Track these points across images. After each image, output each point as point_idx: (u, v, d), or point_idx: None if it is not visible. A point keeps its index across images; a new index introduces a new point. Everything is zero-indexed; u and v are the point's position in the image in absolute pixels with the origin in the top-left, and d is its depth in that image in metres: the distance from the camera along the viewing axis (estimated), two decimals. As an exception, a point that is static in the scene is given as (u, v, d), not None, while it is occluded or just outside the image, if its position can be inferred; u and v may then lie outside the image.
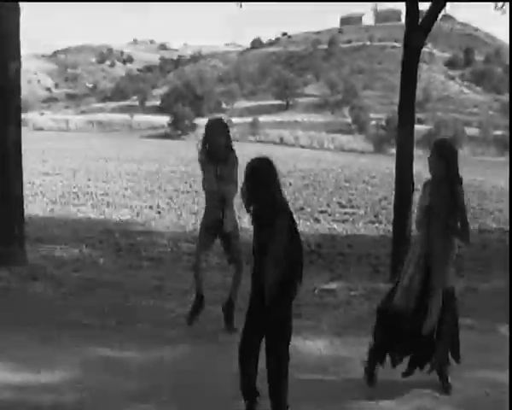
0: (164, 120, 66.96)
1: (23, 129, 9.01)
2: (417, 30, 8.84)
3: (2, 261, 8.31)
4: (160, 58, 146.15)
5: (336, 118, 74.58)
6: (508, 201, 18.31)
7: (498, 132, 57.16)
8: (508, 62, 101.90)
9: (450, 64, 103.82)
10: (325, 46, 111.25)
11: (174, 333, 5.97)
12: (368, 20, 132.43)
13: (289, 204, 4.06)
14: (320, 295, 7.41)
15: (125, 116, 80.00)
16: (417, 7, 8.82)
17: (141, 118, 78.61)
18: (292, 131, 61.04)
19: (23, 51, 8.73)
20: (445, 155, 4.62)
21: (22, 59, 8.74)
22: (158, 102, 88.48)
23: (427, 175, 4.81)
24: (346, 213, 16.18)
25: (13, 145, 8.47)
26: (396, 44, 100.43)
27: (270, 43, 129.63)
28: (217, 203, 5.86)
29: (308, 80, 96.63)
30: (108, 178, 23.22)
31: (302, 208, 17.06)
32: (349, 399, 4.62)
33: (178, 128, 61.14)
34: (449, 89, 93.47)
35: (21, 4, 8.50)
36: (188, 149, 33.37)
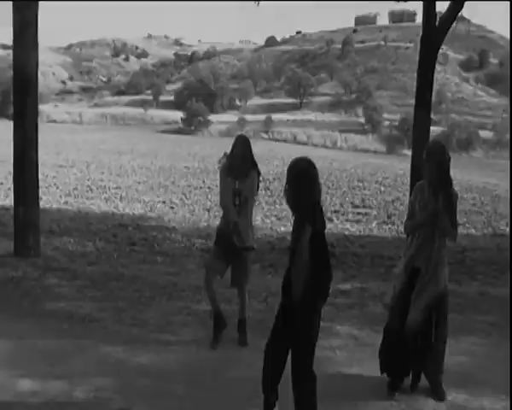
0: (177, 115, 67.07)
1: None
2: (435, 30, 8.80)
3: (18, 252, 8.38)
4: (174, 54, 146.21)
5: (349, 117, 74.41)
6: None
7: (512, 136, 56.82)
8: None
9: (465, 66, 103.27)
10: (339, 45, 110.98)
11: (187, 331, 5.97)
12: (382, 20, 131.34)
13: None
14: (334, 295, 7.37)
15: (139, 110, 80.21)
16: (435, 7, 8.78)
17: (154, 113, 78.81)
18: (305, 129, 60.89)
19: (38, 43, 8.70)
20: (437, 158, 4.62)
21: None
22: (172, 98, 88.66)
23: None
24: (359, 214, 16.14)
25: (30, 138, 8.51)
26: (410, 45, 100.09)
27: (285, 42, 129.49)
28: (231, 232, 5.50)
29: (322, 79, 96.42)
30: (122, 172, 23.29)
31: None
32: (364, 399, 4.61)
33: (192, 124, 61.13)
34: (463, 91, 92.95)
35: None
36: (201, 145, 33.42)
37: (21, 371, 4.75)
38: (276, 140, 54.54)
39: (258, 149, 34.31)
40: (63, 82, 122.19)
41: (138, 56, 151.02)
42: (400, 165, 27.28)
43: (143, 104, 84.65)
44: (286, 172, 3.88)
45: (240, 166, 5.53)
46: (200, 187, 19.38)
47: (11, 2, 8.44)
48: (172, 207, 15.88)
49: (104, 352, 5.31)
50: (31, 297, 6.73)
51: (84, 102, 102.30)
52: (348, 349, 5.67)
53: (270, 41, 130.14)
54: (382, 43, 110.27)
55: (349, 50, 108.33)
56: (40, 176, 8.98)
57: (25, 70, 8.44)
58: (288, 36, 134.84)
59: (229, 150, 5.62)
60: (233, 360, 5.27)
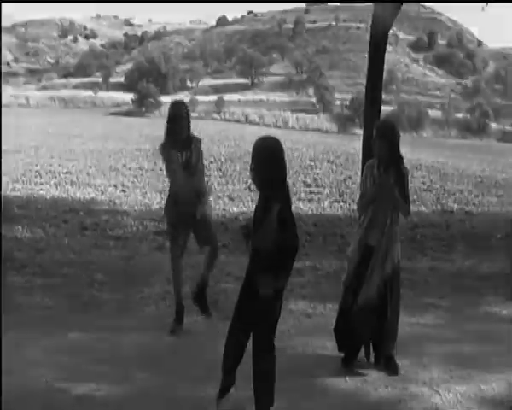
0: (128, 97, 65.85)
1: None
2: (386, 11, 8.87)
3: (-38, 241, 8.11)
4: (124, 34, 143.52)
5: (301, 97, 74.62)
6: (467, 182, 18.68)
7: (460, 115, 58.14)
8: (469, 47, 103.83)
9: (414, 47, 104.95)
10: (291, 25, 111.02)
11: (143, 315, 5.93)
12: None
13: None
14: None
15: (89, 93, 78.50)
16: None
17: (104, 95, 77.15)
18: (257, 109, 60.77)
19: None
20: (387, 136, 4.67)
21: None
22: (122, 79, 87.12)
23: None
24: (311, 193, 16.21)
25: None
26: (360, 25, 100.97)
27: (236, 22, 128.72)
28: (187, 199, 5.32)
29: (273, 59, 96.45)
30: (72, 156, 22.76)
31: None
32: (320, 376, 4.68)
33: (143, 105, 60.12)
34: (412, 71, 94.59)
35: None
36: (152, 127, 32.96)
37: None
38: (228, 121, 54.21)
39: (211, 129, 34.16)
40: (8, 64, 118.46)
41: (87, 37, 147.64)
42: (352, 144, 27.53)
43: (93, 86, 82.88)
44: (252, 150, 3.83)
45: (182, 140, 5.43)
46: (152, 169, 19.09)
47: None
48: (124, 191, 15.62)
49: (58, 341, 5.21)
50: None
51: (30, 84, 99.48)
52: (302, 327, 5.73)
53: (222, 21, 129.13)
54: (333, 23, 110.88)
55: (300, 30, 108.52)
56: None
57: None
58: (239, 16, 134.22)
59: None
60: (192, 342, 5.26)
